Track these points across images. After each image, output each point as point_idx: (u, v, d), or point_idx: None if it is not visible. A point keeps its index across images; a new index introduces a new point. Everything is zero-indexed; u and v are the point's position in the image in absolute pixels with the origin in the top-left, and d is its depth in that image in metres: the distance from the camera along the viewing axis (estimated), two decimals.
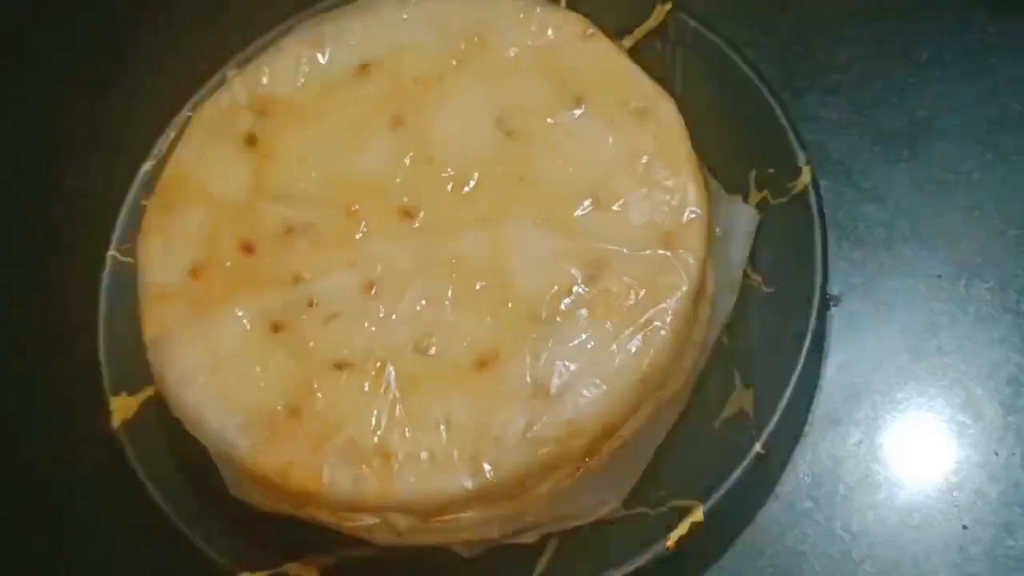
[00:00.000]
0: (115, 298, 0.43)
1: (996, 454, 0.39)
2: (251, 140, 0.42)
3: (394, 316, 0.38)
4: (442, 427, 0.36)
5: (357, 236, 0.40)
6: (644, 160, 0.39)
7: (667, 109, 0.40)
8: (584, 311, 0.37)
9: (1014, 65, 0.46)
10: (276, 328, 0.39)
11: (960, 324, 0.41)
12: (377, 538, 0.37)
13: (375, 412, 0.37)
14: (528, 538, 0.38)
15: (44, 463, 0.45)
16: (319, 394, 0.37)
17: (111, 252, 0.44)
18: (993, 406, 0.40)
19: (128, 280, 0.42)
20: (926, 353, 0.41)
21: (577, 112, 0.41)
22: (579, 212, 0.39)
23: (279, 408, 0.37)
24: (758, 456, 0.37)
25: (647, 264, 0.38)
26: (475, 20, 0.43)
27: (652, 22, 0.45)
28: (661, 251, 0.38)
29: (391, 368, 0.37)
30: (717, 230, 0.40)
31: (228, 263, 0.40)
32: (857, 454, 0.40)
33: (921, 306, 0.42)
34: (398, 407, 0.37)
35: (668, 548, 0.36)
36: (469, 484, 0.35)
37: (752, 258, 0.41)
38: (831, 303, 0.42)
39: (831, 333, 0.42)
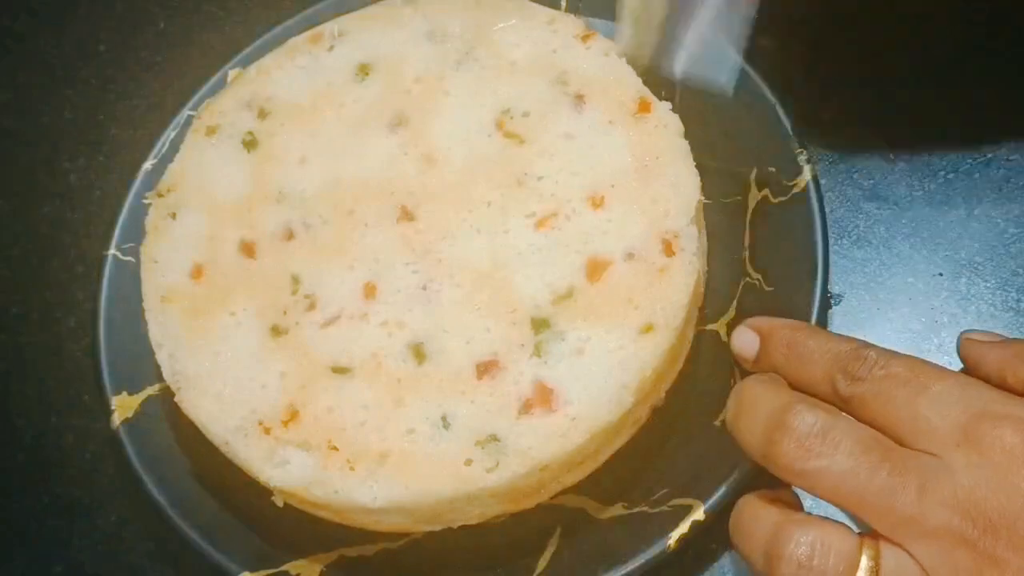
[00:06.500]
0: (115, 298, 0.43)
1: None
2: (251, 141, 0.42)
3: (393, 319, 0.38)
4: (441, 430, 0.36)
5: (357, 238, 0.40)
6: (644, 161, 0.39)
7: (665, 110, 0.40)
8: (583, 313, 0.37)
9: (1014, 63, 0.46)
10: (276, 331, 0.39)
11: (961, 322, 0.41)
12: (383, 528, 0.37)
13: (374, 416, 0.37)
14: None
15: (44, 463, 0.45)
16: (318, 397, 0.37)
17: (111, 252, 0.44)
18: None
19: (128, 280, 0.42)
20: (927, 351, 0.41)
21: (576, 113, 0.41)
22: (578, 213, 0.39)
23: (278, 410, 0.37)
24: None
25: (646, 266, 0.38)
26: (475, 21, 0.43)
27: None
28: (660, 253, 0.38)
29: (390, 371, 0.37)
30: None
31: (229, 265, 0.40)
32: None
33: (922, 304, 0.42)
34: (397, 410, 0.37)
35: (668, 547, 0.36)
36: (468, 487, 0.35)
37: (753, 258, 0.41)
38: (832, 302, 0.42)
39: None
